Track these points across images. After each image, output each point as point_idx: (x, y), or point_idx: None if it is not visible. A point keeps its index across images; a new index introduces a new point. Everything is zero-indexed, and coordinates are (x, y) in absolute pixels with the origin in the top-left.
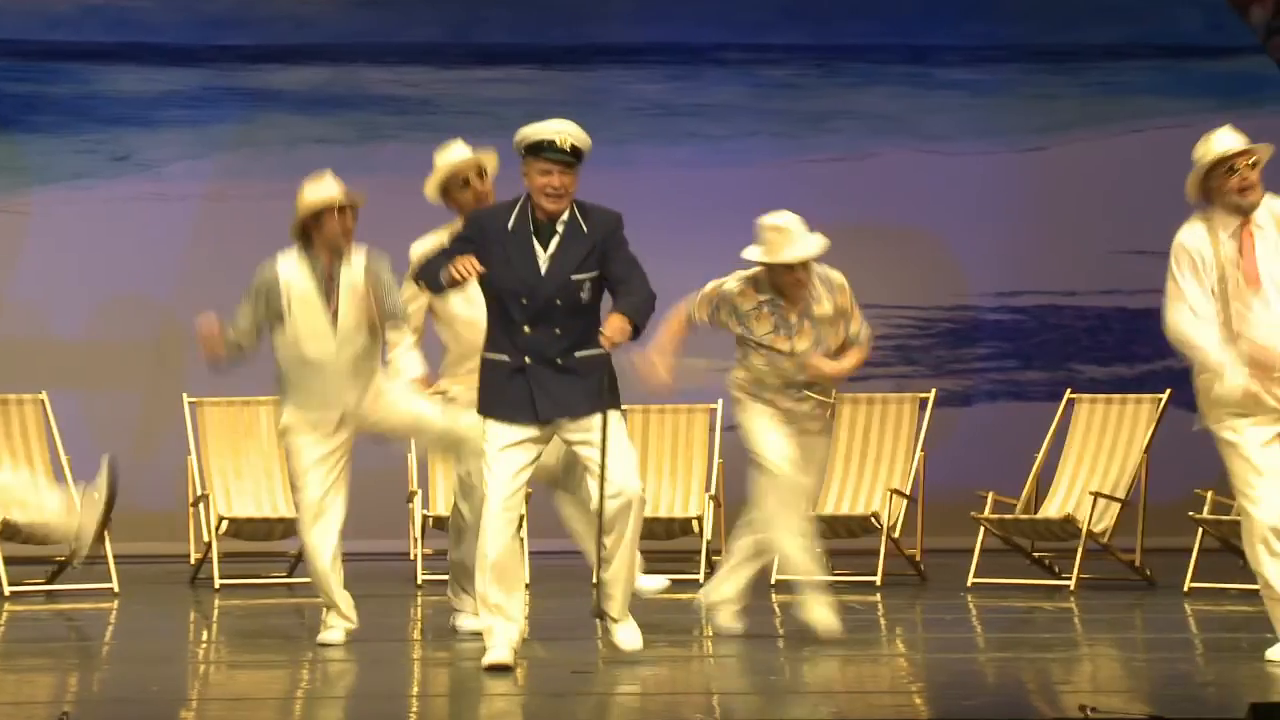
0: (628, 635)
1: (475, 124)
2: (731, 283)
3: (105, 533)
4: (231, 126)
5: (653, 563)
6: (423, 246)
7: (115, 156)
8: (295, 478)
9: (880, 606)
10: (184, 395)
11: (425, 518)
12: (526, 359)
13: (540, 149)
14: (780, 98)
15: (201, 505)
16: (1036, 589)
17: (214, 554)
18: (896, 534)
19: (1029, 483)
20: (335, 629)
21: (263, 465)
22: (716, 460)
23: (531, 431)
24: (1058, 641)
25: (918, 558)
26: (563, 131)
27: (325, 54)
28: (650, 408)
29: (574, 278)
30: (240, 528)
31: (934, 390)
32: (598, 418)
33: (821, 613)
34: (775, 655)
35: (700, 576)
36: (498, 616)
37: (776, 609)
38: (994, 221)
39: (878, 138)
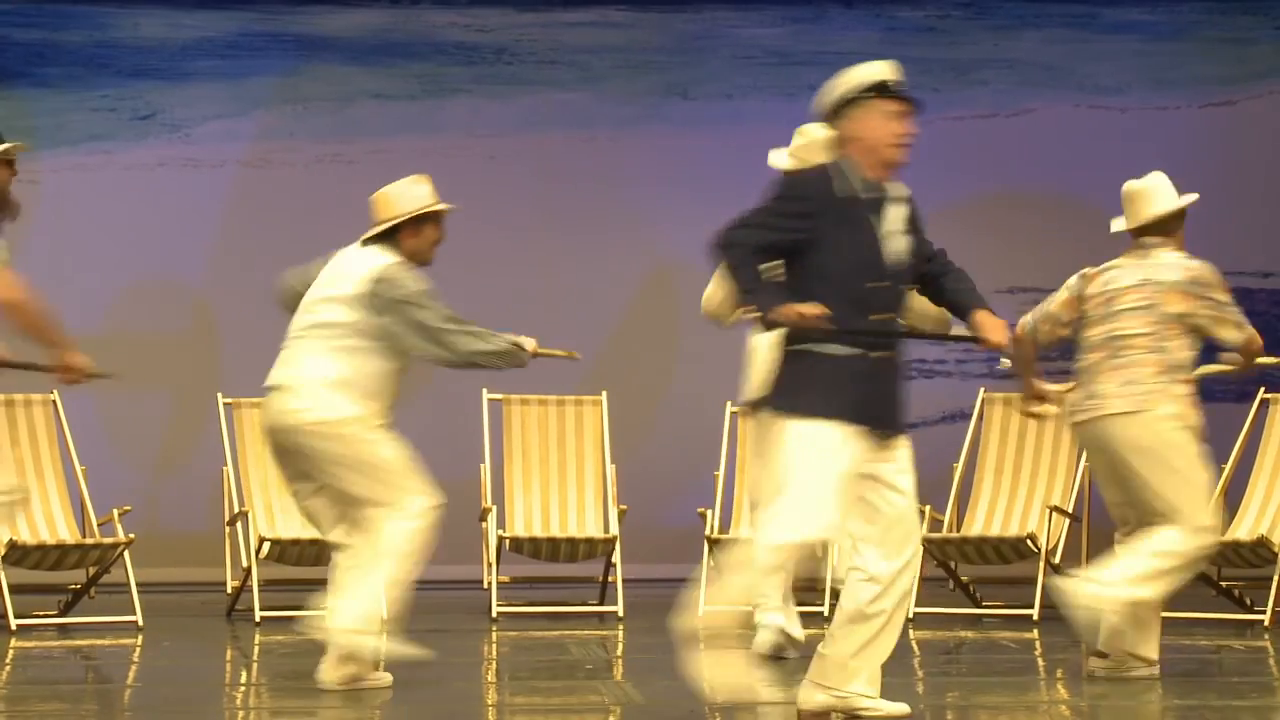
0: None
1: (559, 76)
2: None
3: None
4: (274, 80)
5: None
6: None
7: (138, 115)
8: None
9: (1038, 645)
10: (219, 395)
11: (501, 539)
12: (875, 353)
13: (886, 89)
14: (917, 43)
15: (240, 524)
16: (1224, 624)
17: (254, 581)
18: (1057, 559)
19: (1215, 499)
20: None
21: None
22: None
23: (868, 448)
24: (1249, 687)
25: None
26: (897, 72)
27: None
28: None
29: (913, 256)
30: (285, 550)
31: None
32: (905, 448)
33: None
34: (913, 700)
35: (825, 608)
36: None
37: (915, 646)
38: None
39: (1033, 90)
